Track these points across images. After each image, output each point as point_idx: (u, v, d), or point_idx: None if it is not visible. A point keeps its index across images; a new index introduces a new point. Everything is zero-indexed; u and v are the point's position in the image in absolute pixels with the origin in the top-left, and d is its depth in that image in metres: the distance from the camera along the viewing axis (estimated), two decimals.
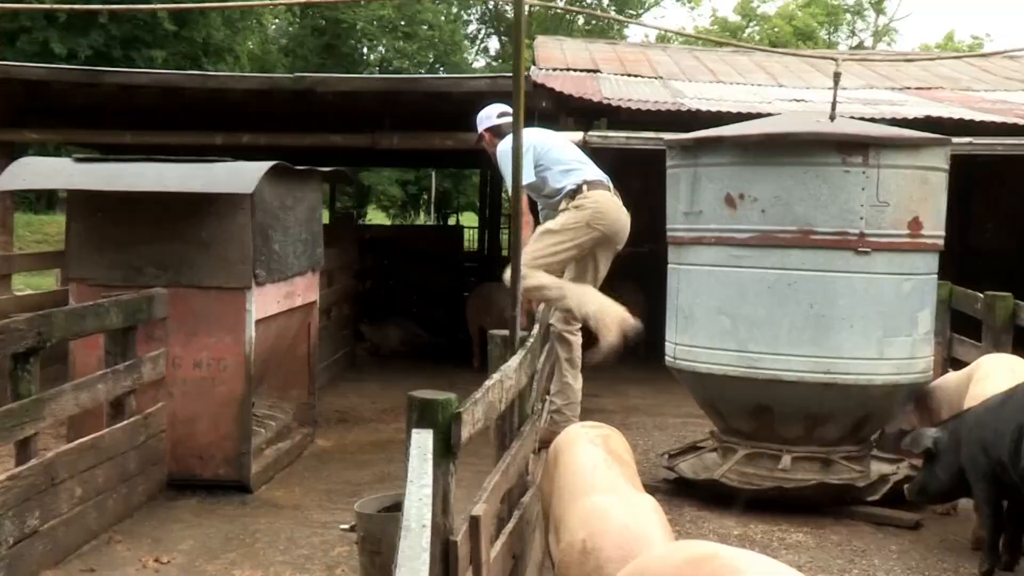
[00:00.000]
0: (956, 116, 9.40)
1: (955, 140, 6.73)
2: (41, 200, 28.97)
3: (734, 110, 9.06)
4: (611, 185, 6.64)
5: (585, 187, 6.49)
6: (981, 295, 7.14)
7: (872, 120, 7.54)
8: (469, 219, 35.70)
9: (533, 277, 6.15)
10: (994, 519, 5.18)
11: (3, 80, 4.69)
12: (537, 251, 6.35)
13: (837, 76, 6.44)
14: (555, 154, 6.62)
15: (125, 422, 5.81)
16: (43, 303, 8.11)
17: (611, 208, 6.52)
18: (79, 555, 5.18)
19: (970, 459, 5.25)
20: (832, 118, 6.34)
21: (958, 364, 7.08)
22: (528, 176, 6.15)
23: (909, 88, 11.91)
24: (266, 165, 6.30)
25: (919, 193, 6.07)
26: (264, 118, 9.99)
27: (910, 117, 8.97)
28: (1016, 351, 6.57)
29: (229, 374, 6.31)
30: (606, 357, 6.16)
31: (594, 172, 6.63)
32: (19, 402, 4.85)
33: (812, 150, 6.03)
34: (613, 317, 6.16)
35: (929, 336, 6.32)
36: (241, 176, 6.18)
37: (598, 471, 3.85)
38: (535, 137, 6.60)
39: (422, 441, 2.85)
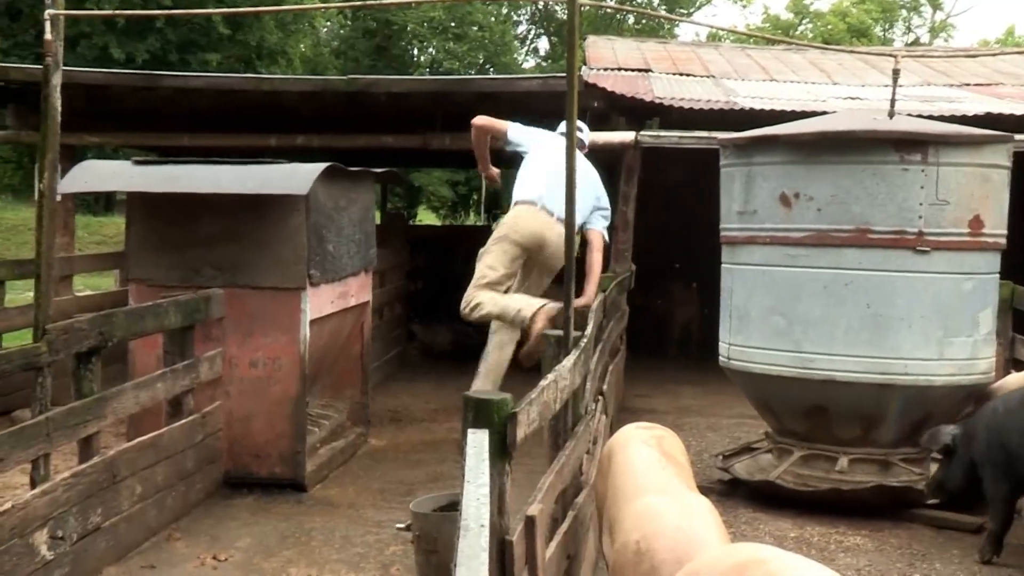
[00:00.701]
0: (1018, 112, 9.21)
1: (1017, 137, 6.60)
2: (99, 202, 29.45)
3: (788, 108, 8.96)
4: (545, 204, 6.53)
5: (513, 205, 6.68)
6: None
7: (930, 118, 7.43)
8: None
9: (473, 297, 6.55)
10: (1005, 514, 5.32)
11: (65, 85, 4.76)
12: (477, 272, 6.66)
13: (896, 73, 6.35)
14: (524, 170, 6.80)
15: (183, 421, 5.89)
16: (103, 304, 8.25)
17: (527, 223, 6.56)
18: (139, 552, 5.26)
19: (987, 456, 5.32)
20: (891, 115, 6.25)
21: (1021, 365, 6.95)
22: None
23: (968, 84, 11.70)
24: (320, 166, 6.35)
25: (980, 191, 5.98)
26: (317, 120, 10.07)
27: (969, 114, 8.81)
28: None
29: (284, 373, 6.37)
30: (531, 355, 6.20)
31: (529, 192, 6.64)
32: (82, 400, 4.94)
33: (869, 148, 5.96)
34: (538, 311, 6.19)
35: (991, 336, 6.22)
36: (296, 177, 6.24)
37: (652, 472, 3.84)
38: (530, 144, 6.88)
39: (478, 441, 2.86)
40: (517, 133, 6.90)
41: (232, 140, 9.71)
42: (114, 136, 10.49)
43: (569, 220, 4.77)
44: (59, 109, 4.68)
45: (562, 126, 6.65)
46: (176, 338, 5.93)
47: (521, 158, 6.91)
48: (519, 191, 6.66)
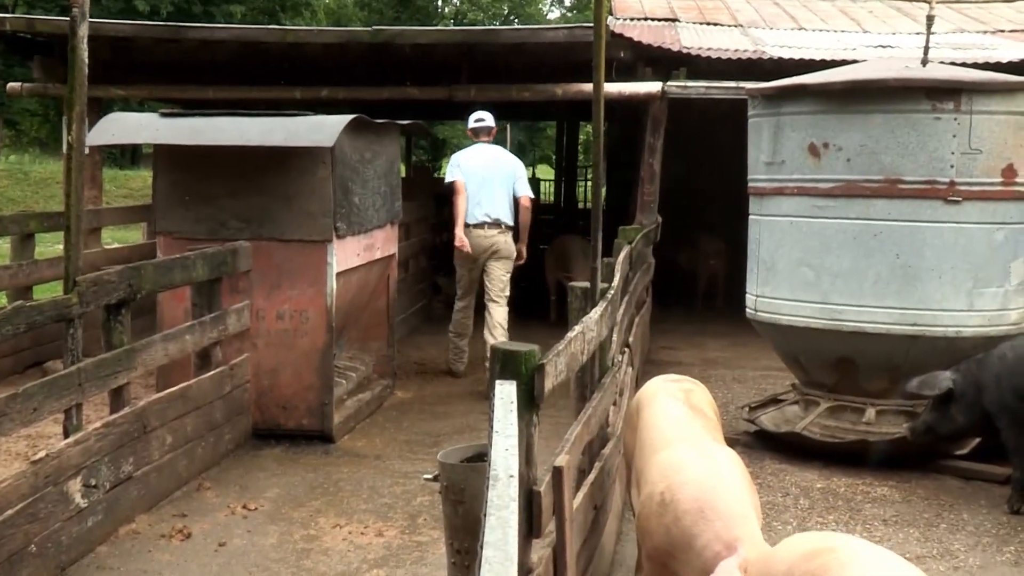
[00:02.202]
0: None
1: None
2: (126, 155, 29.56)
3: (817, 57, 8.84)
4: (484, 219, 8.03)
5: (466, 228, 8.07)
6: None
7: (963, 65, 7.30)
8: (544, 172, 35.60)
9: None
10: None
11: (91, 37, 4.73)
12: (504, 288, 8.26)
13: (930, 19, 6.24)
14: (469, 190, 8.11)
15: (212, 372, 5.94)
16: (131, 256, 8.31)
17: (478, 244, 8.08)
18: (171, 501, 5.33)
19: (1001, 405, 5.34)
20: (924, 63, 6.15)
21: None
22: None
23: (1002, 31, 11.49)
24: (346, 118, 6.33)
25: (1014, 139, 5.88)
26: (342, 72, 10.03)
27: (1003, 61, 8.66)
28: None
29: (311, 326, 6.40)
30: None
31: (470, 218, 8.04)
32: (112, 352, 4.98)
33: (901, 97, 5.87)
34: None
35: (1022, 287, 6.15)
36: (321, 130, 6.22)
37: (678, 425, 3.84)
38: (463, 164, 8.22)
39: (506, 392, 2.86)
40: (455, 175, 8.17)
41: (257, 93, 9.69)
42: (139, 89, 10.48)
43: (596, 179, 4.76)
44: (86, 61, 4.67)
45: (472, 116, 8.43)
46: (204, 290, 5.96)
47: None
48: (468, 217, 8.07)
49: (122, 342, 5.07)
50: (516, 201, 8.17)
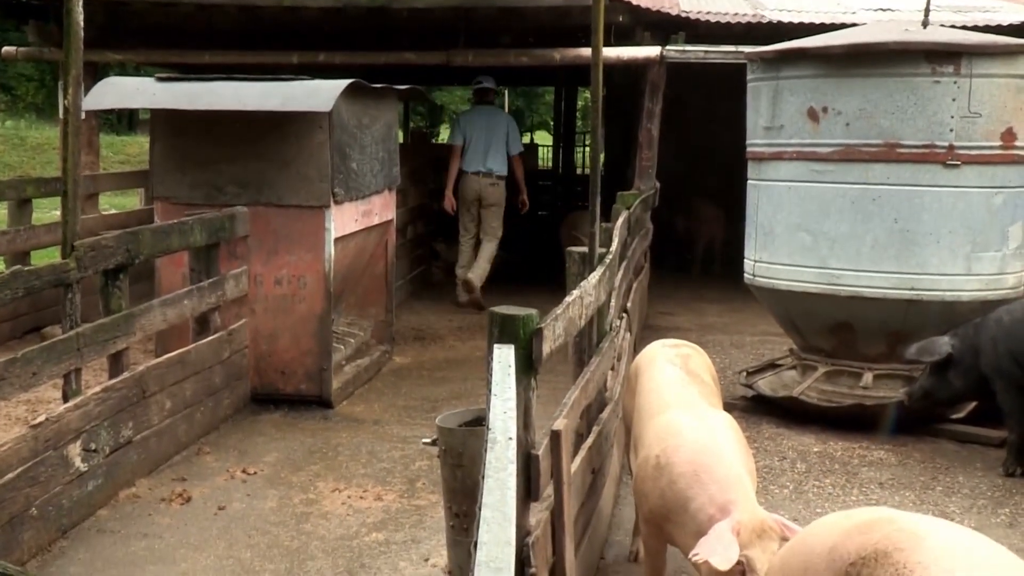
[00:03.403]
0: None
1: None
2: (122, 121, 29.42)
3: (817, 21, 8.78)
4: (478, 168, 9.80)
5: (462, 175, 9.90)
6: None
7: (963, 28, 7.26)
8: (542, 137, 35.49)
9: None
10: (1023, 425, 5.37)
11: (87, 1, 4.69)
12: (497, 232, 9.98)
13: None
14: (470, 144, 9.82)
15: (210, 338, 5.95)
16: (128, 222, 8.29)
17: (470, 188, 9.86)
18: (170, 465, 5.36)
19: (997, 369, 5.39)
20: (925, 25, 6.12)
21: None
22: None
23: None
24: (343, 83, 6.30)
25: (1013, 103, 5.87)
26: (339, 37, 9.96)
27: (1004, 23, 8.61)
28: None
29: (309, 291, 6.41)
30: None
31: (466, 165, 9.84)
32: (111, 317, 4.99)
33: (900, 60, 5.85)
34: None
35: (1021, 251, 6.15)
36: (319, 95, 6.19)
37: (675, 389, 3.86)
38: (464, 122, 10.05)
39: (504, 356, 2.87)
40: (456, 138, 9.98)
41: (254, 57, 9.62)
42: (136, 53, 10.42)
43: (594, 145, 4.75)
44: (82, 24, 4.64)
45: (474, 81, 10.25)
46: (201, 256, 5.96)
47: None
48: (464, 165, 9.87)
49: (120, 307, 5.07)
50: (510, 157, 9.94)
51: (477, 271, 9.86)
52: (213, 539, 4.50)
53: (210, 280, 5.96)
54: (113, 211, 11.41)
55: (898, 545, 2.25)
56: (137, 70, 18.25)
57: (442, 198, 10.34)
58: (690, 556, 3.08)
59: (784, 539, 3.04)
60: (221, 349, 6.05)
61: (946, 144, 5.82)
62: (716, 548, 2.97)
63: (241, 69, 8.36)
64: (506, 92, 30.60)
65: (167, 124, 6.50)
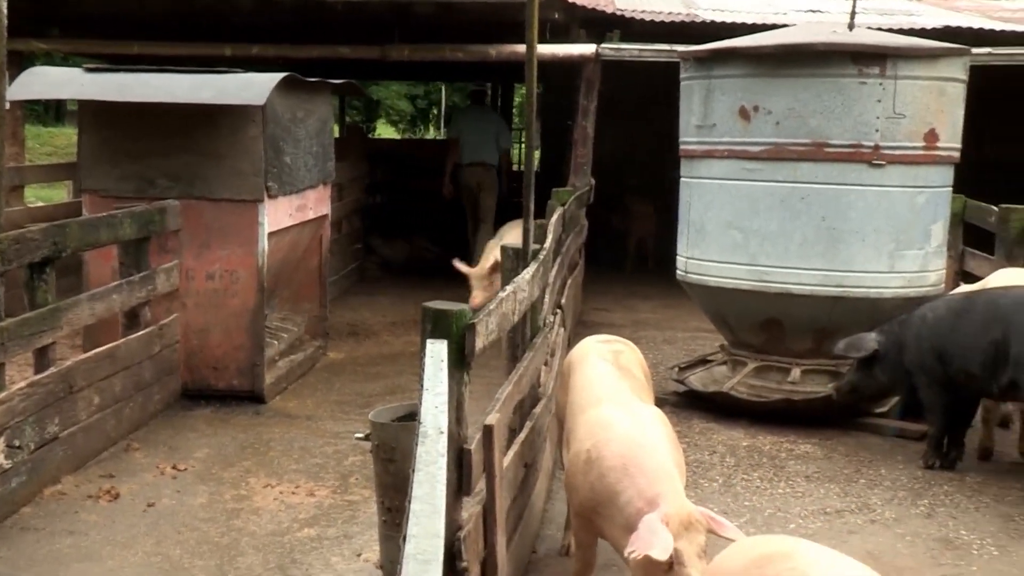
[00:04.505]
0: (975, 26, 9.24)
1: (974, 51, 6.63)
2: (50, 112, 28.81)
3: (749, 21, 8.92)
4: (473, 159, 11.21)
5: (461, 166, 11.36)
6: (995, 208, 7.10)
7: (889, 31, 7.42)
8: None
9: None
10: (943, 419, 5.52)
11: None
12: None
13: None
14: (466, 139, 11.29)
15: (140, 332, 5.87)
16: (55, 215, 8.11)
17: (469, 177, 11.28)
18: (98, 461, 5.29)
19: (920, 364, 5.52)
20: (851, 27, 6.24)
21: (970, 278, 7.08)
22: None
23: None
24: (277, 76, 6.25)
25: (936, 105, 6.01)
26: (273, 29, 9.87)
27: (928, 27, 8.83)
28: None
29: (242, 286, 6.35)
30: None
31: (464, 157, 11.26)
32: (36, 311, 4.90)
33: (828, 61, 5.96)
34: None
35: (942, 249, 6.32)
36: (252, 88, 6.14)
37: (607, 385, 3.91)
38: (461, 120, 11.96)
39: (436, 351, 2.88)
40: (453, 132, 11.72)
41: (185, 49, 9.50)
42: (62, 43, 10.20)
43: (528, 141, 4.79)
44: (5, 12, 4.55)
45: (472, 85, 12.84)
46: (131, 250, 5.88)
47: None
48: (462, 158, 11.29)
49: (46, 301, 4.98)
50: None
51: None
52: (141, 536, 4.45)
53: (140, 274, 5.88)
54: (40, 204, 11.18)
55: None
56: (65, 60, 17.86)
57: (378, 193, 10.93)
58: (626, 554, 3.11)
59: (710, 531, 3.09)
60: (151, 344, 5.97)
61: (872, 144, 5.95)
62: (652, 541, 3.00)
63: (173, 61, 8.27)
64: (443, 88, 30.52)
65: (96, 116, 6.40)
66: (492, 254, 7.91)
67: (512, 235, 8.05)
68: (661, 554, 2.96)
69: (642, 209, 12.26)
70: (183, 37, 9.68)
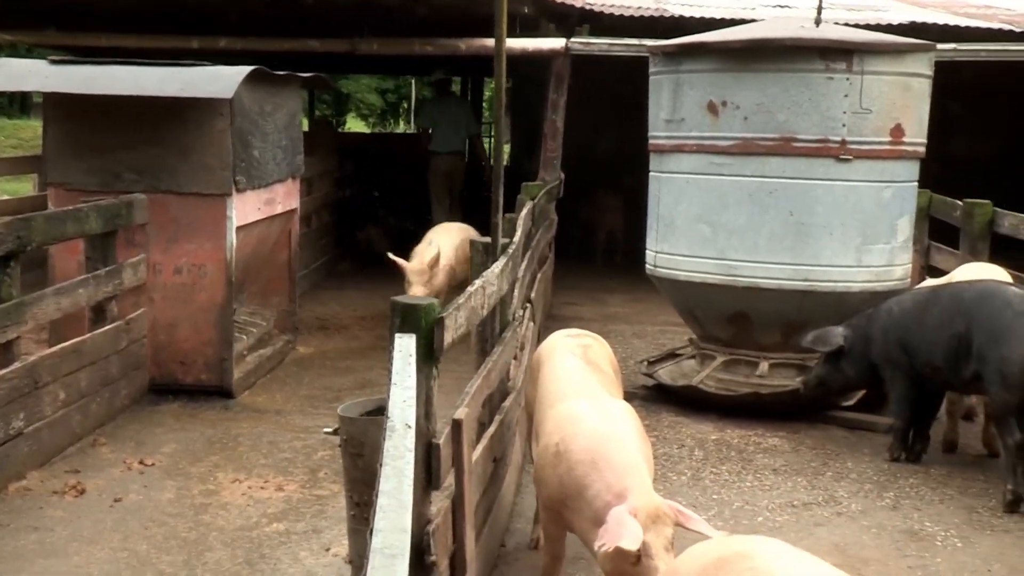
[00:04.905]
0: (940, 22, 9.33)
1: (939, 46, 6.69)
2: (14, 104, 28.49)
3: (718, 16, 8.97)
4: (444, 149, 11.71)
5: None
6: (960, 203, 7.18)
7: (856, 26, 7.48)
8: None
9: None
10: (908, 412, 5.58)
11: None
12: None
13: None
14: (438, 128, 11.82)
15: (107, 327, 5.83)
16: (21, 208, 8.03)
17: (441, 165, 11.73)
18: (63, 457, 5.24)
19: (886, 357, 5.57)
20: (818, 23, 6.28)
21: (936, 272, 7.16)
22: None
23: None
24: (245, 70, 6.22)
25: (902, 100, 6.06)
26: (241, 22, 9.80)
27: (894, 23, 8.90)
28: (993, 259, 6.64)
29: (210, 280, 6.32)
30: None
31: (434, 146, 11.76)
32: (1, 306, 4.85)
33: (795, 57, 6.00)
34: None
35: (907, 244, 6.37)
36: (220, 81, 6.10)
37: (575, 379, 3.92)
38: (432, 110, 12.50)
39: (405, 345, 2.88)
40: (424, 121, 12.74)
41: (152, 42, 9.42)
42: (28, 35, 10.10)
43: (497, 135, 4.78)
44: None
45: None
46: (97, 244, 5.83)
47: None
48: (436, 146, 11.77)
49: (11, 295, 4.93)
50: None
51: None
52: (108, 531, 4.42)
53: (107, 268, 5.83)
54: (5, 197, 11.05)
55: None
56: (29, 52, 17.66)
57: (348, 187, 11.11)
58: (595, 547, 3.12)
59: (678, 525, 3.11)
60: (118, 339, 5.93)
61: (839, 139, 5.99)
62: (621, 533, 3.02)
63: (139, 53, 8.19)
64: (412, 81, 30.43)
65: (62, 108, 6.34)
66: (429, 249, 7.80)
67: (444, 238, 8.09)
68: (631, 544, 2.98)
69: (608, 203, 12.28)
70: (150, 29, 9.60)
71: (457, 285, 7.52)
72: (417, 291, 7.43)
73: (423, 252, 7.85)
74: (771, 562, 2.27)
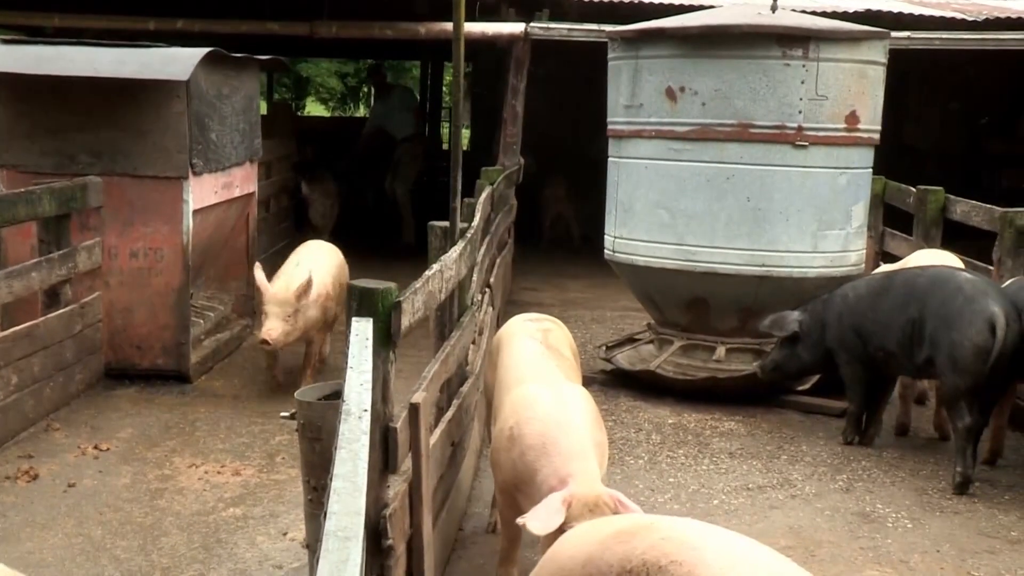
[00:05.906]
0: (895, 10, 9.42)
1: (893, 34, 6.76)
2: None
3: (677, 2, 8.98)
4: (408, 132, 12.71)
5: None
6: (913, 189, 7.27)
7: (812, 14, 7.53)
8: None
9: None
10: (861, 396, 5.67)
11: None
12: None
13: None
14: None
15: (61, 311, 5.76)
16: None
17: (401, 153, 12.29)
18: (16, 442, 5.19)
19: (841, 342, 5.65)
20: (773, 9, 6.33)
21: (890, 257, 7.25)
22: None
23: None
24: (202, 51, 6.16)
25: (857, 87, 6.12)
26: (199, 3, 9.70)
27: (850, 11, 8.97)
28: (945, 245, 6.74)
29: (166, 264, 6.26)
30: None
31: (401, 132, 12.60)
32: None
33: (752, 43, 6.03)
34: None
35: (862, 230, 6.44)
36: (176, 62, 6.04)
37: (533, 364, 3.93)
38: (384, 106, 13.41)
39: (362, 329, 2.88)
40: (380, 120, 13.14)
41: (107, 22, 9.29)
42: None
43: (455, 120, 4.81)
44: None
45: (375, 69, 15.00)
46: (51, 227, 5.76)
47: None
48: (396, 135, 12.50)
49: None
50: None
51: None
52: (62, 517, 4.39)
53: (60, 252, 5.76)
54: None
55: (673, 557, 2.11)
56: None
57: (307, 171, 10.85)
58: (516, 520, 3.18)
59: (617, 514, 3.13)
60: (72, 323, 5.86)
61: (795, 125, 6.04)
62: (539, 515, 3.07)
63: (93, 34, 8.08)
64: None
65: (13, 89, 6.24)
66: (297, 273, 6.05)
67: (319, 260, 6.38)
68: (537, 529, 3.06)
69: (555, 188, 12.27)
70: (105, 9, 9.46)
71: (329, 325, 6.46)
72: (275, 326, 5.87)
73: (290, 276, 6.09)
74: (681, 531, 2.23)
